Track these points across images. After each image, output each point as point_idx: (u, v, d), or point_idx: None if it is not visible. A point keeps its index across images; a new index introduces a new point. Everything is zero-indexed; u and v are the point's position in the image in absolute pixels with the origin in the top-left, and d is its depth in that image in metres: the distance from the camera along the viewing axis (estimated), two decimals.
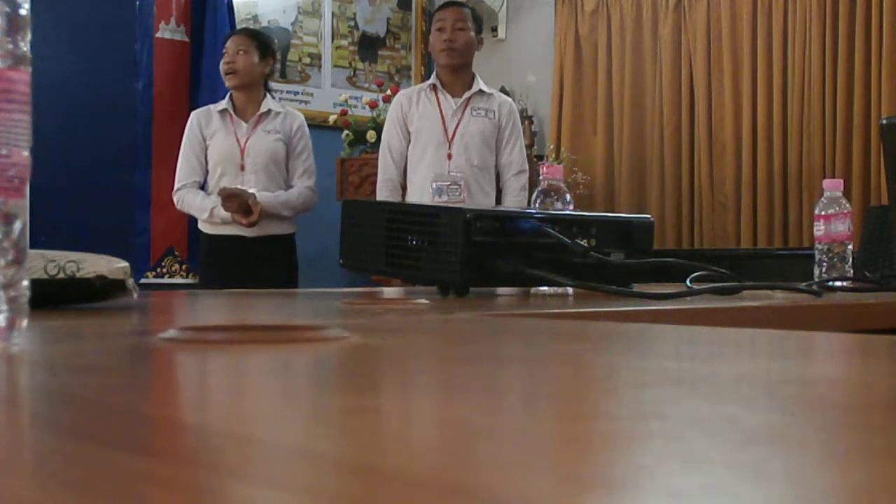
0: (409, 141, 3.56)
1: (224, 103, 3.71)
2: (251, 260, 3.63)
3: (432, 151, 3.48)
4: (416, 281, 2.16)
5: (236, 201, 3.55)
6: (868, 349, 0.80)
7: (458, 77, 3.53)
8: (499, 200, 3.57)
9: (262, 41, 3.73)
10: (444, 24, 3.51)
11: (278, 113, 3.71)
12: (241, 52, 3.65)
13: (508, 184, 3.52)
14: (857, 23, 4.86)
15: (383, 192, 3.57)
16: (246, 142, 3.64)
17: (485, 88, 3.55)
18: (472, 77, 3.56)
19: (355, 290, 2.21)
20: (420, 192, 3.44)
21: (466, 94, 3.51)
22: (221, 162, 3.67)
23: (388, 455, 0.34)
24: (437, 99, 3.52)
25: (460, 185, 3.47)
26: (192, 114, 3.79)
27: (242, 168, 3.64)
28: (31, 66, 0.65)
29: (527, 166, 3.57)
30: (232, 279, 3.53)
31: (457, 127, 3.48)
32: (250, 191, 3.59)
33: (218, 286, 3.62)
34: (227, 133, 3.66)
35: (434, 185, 3.46)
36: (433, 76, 3.61)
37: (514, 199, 3.48)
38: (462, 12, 3.57)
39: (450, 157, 3.46)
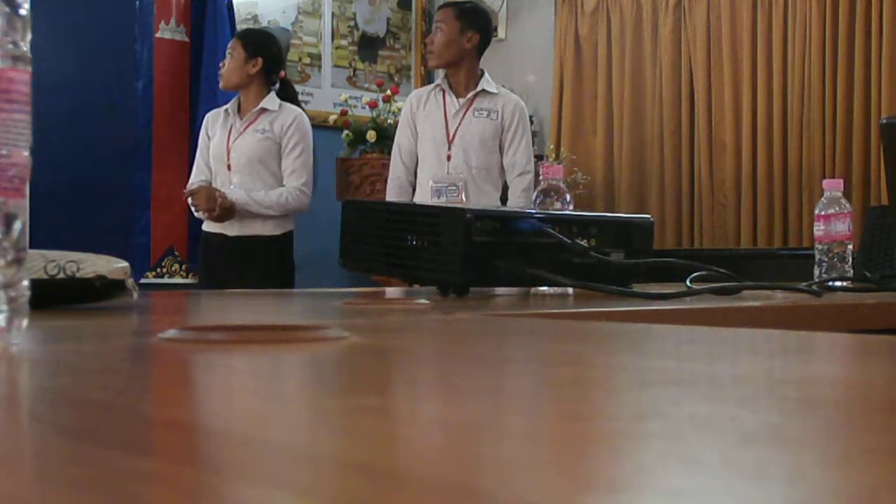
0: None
1: (231, 103, 3.72)
2: (234, 259, 3.62)
3: (433, 152, 3.48)
4: (417, 281, 2.16)
5: (202, 196, 3.56)
6: (868, 349, 0.80)
7: (459, 77, 3.50)
8: (505, 200, 3.56)
9: (248, 41, 3.69)
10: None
11: (273, 111, 3.67)
12: (228, 56, 3.67)
13: (511, 185, 3.52)
14: (857, 23, 4.86)
15: (391, 192, 3.58)
16: (234, 141, 3.64)
17: (490, 88, 3.50)
18: (479, 76, 3.52)
19: (355, 290, 2.21)
20: (423, 193, 3.45)
21: (470, 95, 3.49)
22: (215, 161, 3.69)
23: (388, 455, 0.34)
24: (444, 99, 3.51)
25: (458, 187, 3.47)
26: (206, 115, 3.82)
27: (229, 167, 3.64)
28: (31, 66, 0.65)
29: (531, 167, 3.51)
30: (219, 278, 3.55)
31: (457, 128, 3.47)
32: (236, 189, 3.59)
33: (208, 285, 3.63)
34: (223, 133, 3.67)
35: (432, 187, 3.47)
36: (442, 76, 3.61)
37: (516, 201, 3.47)
38: (443, 11, 3.56)
39: (449, 158, 3.46)
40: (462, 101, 3.49)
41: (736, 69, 5.25)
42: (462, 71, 3.49)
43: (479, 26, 3.51)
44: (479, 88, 3.49)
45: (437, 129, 3.49)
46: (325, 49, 5.83)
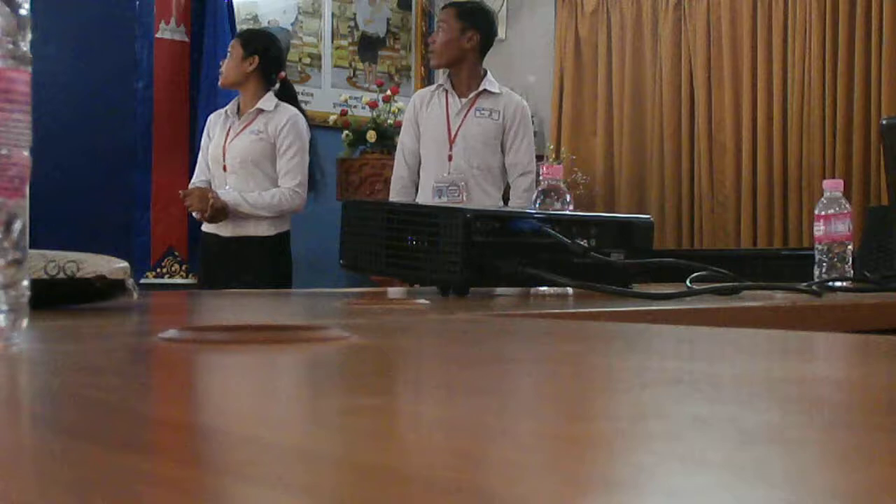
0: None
1: (231, 104, 3.72)
2: (230, 260, 3.62)
3: (435, 152, 3.49)
4: (416, 281, 2.16)
5: (194, 197, 3.56)
6: (868, 349, 0.80)
7: (461, 77, 3.50)
8: (507, 201, 3.56)
9: (245, 39, 3.70)
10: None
11: (268, 112, 3.65)
12: (228, 55, 3.69)
13: (513, 185, 3.52)
14: (857, 23, 4.86)
15: (394, 192, 3.59)
16: (230, 142, 3.64)
17: (492, 88, 3.50)
18: (482, 76, 3.52)
19: (355, 290, 2.21)
20: (426, 193, 3.45)
21: (472, 95, 3.49)
22: (212, 163, 3.70)
23: (388, 455, 0.34)
24: (446, 99, 3.52)
25: (459, 187, 3.48)
26: (209, 117, 3.83)
27: (225, 168, 3.64)
28: (31, 66, 0.65)
29: (533, 167, 3.51)
30: (217, 278, 3.55)
31: (459, 128, 3.47)
32: (229, 190, 3.59)
33: (207, 285, 3.64)
34: (220, 134, 3.68)
35: (434, 186, 3.47)
36: (445, 76, 3.61)
37: (518, 201, 3.47)
38: (445, 11, 3.58)
39: (450, 158, 3.46)
40: (464, 101, 3.49)
41: (736, 69, 5.25)
42: (464, 71, 3.50)
43: (480, 26, 3.51)
44: (481, 88, 3.49)
45: (439, 129, 3.49)
46: (325, 49, 5.83)
